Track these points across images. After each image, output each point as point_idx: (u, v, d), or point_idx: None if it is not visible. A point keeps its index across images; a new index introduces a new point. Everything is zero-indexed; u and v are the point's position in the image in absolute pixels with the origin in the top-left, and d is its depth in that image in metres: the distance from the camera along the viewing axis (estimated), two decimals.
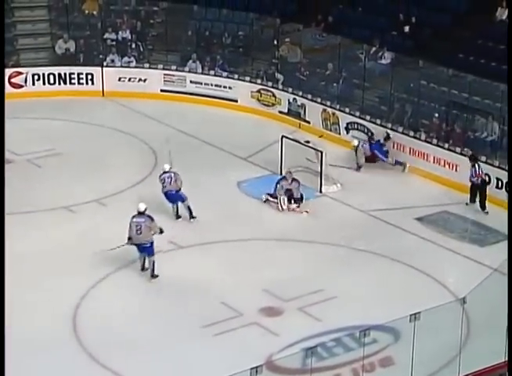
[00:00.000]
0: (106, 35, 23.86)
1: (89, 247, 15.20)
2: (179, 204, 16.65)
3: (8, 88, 22.35)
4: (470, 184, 17.31)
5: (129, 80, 23.05)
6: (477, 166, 17.19)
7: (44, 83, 22.81)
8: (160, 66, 23.23)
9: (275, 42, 22.97)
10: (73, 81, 23.02)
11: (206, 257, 15.24)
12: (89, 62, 23.41)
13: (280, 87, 22.09)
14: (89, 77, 23.03)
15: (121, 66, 23.32)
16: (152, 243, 14.37)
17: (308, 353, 10.99)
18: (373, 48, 21.16)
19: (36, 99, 22.27)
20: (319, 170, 17.91)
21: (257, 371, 10.02)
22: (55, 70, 22.96)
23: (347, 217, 16.93)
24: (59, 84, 22.90)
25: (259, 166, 18.99)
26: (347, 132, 20.33)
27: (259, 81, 22.46)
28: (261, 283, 14.30)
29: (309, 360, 10.93)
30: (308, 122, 21.05)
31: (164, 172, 16.69)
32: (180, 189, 16.55)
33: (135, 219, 14.35)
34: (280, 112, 21.86)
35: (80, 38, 23.85)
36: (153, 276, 14.36)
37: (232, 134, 20.32)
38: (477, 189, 17.23)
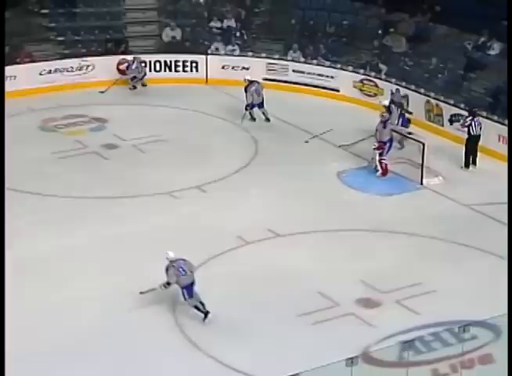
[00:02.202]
0: (212, 24, 24.04)
1: (189, 232, 15.34)
2: None
3: (115, 74, 22.76)
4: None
5: (232, 68, 23.12)
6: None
7: (150, 70, 23.10)
8: (264, 54, 23.23)
9: (380, 32, 22.64)
10: (178, 68, 23.27)
11: (304, 246, 15.15)
12: (194, 50, 23.59)
13: (383, 77, 21.78)
14: (194, 64, 23.21)
15: (225, 55, 23.42)
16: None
17: (405, 346, 10.81)
18: (481, 39, 20.59)
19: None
20: (421, 162, 17.56)
21: (352, 362, 9.92)
22: (162, 57, 23.23)
23: (449, 210, 16.55)
24: (165, 71, 23.17)
25: (359, 156, 18.76)
26: (451, 124, 19.88)
27: (362, 71, 22.21)
28: (359, 274, 14.12)
29: (406, 354, 10.75)
30: (411, 113, 20.67)
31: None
32: None
33: (175, 264, 12.98)
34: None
35: (186, 26, 24.08)
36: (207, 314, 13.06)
37: (332, 123, 20.11)
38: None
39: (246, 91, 20.33)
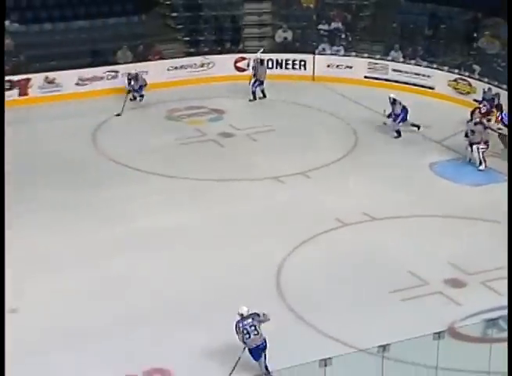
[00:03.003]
0: (320, 26, 23.87)
1: (293, 213, 15.30)
2: None
3: (233, 71, 22.89)
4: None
5: (337, 66, 22.91)
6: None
7: None
8: (366, 54, 22.93)
9: (475, 35, 21.98)
10: (288, 66, 23.23)
11: (397, 229, 14.91)
12: (303, 49, 23.49)
13: (476, 77, 21.15)
14: (302, 63, 23.10)
15: (331, 54, 23.23)
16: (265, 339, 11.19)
17: (490, 324, 10.53)
18: None
19: None
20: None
21: (439, 336, 9.72)
22: (274, 56, 23.20)
23: None
24: (277, 68, 23.17)
25: (451, 149, 18.29)
26: None
27: (456, 71, 21.65)
28: (448, 257, 13.81)
29: (490, 331, 10.45)
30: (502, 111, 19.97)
31: None
32: None
33: (245, 322, 10.97)
34: (475, 100, 20.91)
35: (297, 29, 24.00)
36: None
37: (428, 119, 19.67)
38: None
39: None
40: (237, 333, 10.93)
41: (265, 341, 10.92)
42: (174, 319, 12.13)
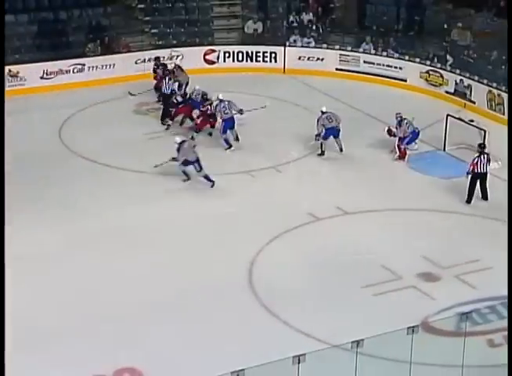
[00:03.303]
0: (291, 18, 23.83)
1: (264, 208, 15.28)
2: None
3: (202, 64, 22.79)
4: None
5: (308, 59, 22.92)
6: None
7: (233, 60, 23.10)
8: (337, 46, 22.94)
9: (446, 26, 22.09)
10: (258, 58, 23.18)
11: (370, 223, 14.94)
12: (273, 42, 23.44)
13: (448, 68, 21.26)
14: (273, 55, 23.09)
15: (302, 46, 23.22)
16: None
17: (463, 318, 10.56)
18: None
19: (226, 74, 22.56)
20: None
21: (413, 330, 9.74)
22: (244, 48, 23.17)
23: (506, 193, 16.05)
24: (246, 61, 23.11)
25: (424, 142, 18.36)
26: None
27: (428, 62, 21.73)
28: (421, 251, 13.86)
29: (463, 324, 10.49)
30: (474, 102, 20.12)
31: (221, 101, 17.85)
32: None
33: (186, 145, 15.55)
34: (447, 92, 21.04)
35: (267, 20, 23.94)
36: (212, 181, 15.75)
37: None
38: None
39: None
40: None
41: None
42: (146, 318, 12.03)
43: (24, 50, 21.54)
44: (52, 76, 21.23)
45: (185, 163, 16.11)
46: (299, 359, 9.18)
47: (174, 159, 15.93)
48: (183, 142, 16.42)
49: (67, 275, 13.10)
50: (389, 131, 17.84)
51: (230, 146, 17.86)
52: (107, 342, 11.43)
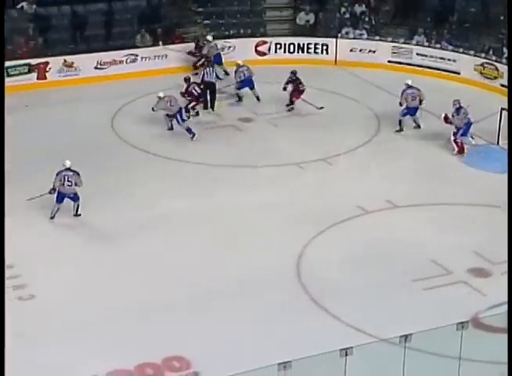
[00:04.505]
0: (343, 9, 23.68)
1: (313, 200, 15.23)
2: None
3: (254, 56, 22.82)
4: None
5: (360, 51, 22.76)
6: None
7: (284, 51, 23.05)
8: (389, 38, 22.74)
9: (503, 18, 21.70)
10: (310, 50, 23.10)
11: (420, 217, 14.80)
12: (325, 33, 23.32)
13: (504, 61, 20.90)
14: (324, 47, 22.97)
15: (354, 38, 23.06)
16: (76, 194, 14.41)
17: None
18: None
19: (277, 66, 22.50)
20: None
21: (463, 326, 9.65)
22: (295, 40, 23.10)
23: None
24: (298, 52, 23.05)
25: (477, 136, 18.09)
26: None
27: (483, 55, 21.40)
28: (472, 246, 13.70)
29: None
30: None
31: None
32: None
33: (64, 173, 14.27)
34: (502, 85, 20.69)
35: (319, 11, 23.82)
36: (77, 215, 14.49)
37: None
38: None
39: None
40: (55, 179, 14.00)
41: (75, 195, 14.18)
42: (194, 306, 12.13)
43: (79, 40, 21.80)
44: (106, 66, 21.48)
45: (169, 116, 17.64)
46: (346, 352, 9.18)
47: (50, 192, 14.54)
48: (164, 97, 17.64)
49: (118, 262, 13.26)
50: (445, 118, 17.61)
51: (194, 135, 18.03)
52: (157, 330, 11.55)
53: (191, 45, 22.22)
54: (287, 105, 19.64)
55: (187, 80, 19.15)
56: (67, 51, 21.33)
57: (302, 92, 19.40)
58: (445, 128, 17.83)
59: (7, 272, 12.74)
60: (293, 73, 19.57)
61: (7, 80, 20.03)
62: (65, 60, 21.05)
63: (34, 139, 17.64)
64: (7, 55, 20.58)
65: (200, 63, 21.55)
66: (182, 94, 18.88)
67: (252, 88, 20.04)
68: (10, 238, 13.54)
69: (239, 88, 20.11)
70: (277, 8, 24.13)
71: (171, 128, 18.13)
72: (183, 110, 17.86)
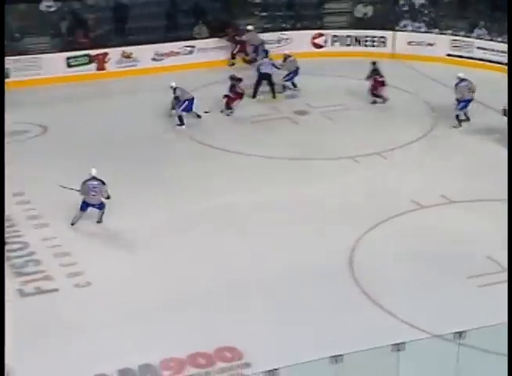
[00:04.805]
0: (402, 2, 23.44)
1: (368, 194, 15.16)
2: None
3: (310, 48, 22.74)
4: None
5: (418, 44, 22.50)
6: None
7: (341, 44, 22.94)
8: (449, 31, 22.43)
9: None
10: (367, 43, 22.94)
11: (476, 213, 14.60)
12: (383, 26, 23.12)
13: None
14: (382, 39, 22.81)
15: (412, 31, 22.81)
16: (101, 203, 13.89)
17: None
18: None
19: (333, 58, 22.45)
20: None
21: None
22: (352, 32, 22.98)
23: None
24: (354, 45, 22.92)
25: None
26: None
27: None
28: None
29: None
30: None
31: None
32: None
33: (89, 182, 13.70)
34: None
35: (377, 3, 23.63)
36: (100, 222, 14.04)
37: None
38: None
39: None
40: (81, 187, 13.59)
41: (101, 204, 13.71)
42: (248, 298, 12.19)
43: (138, 32, 22.02)
44: (163, 57, 21.66)
45: (176, 99, 17.82)
46: (399, 348, 9.12)
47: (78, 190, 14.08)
48: (177, 87, 17.82)
49: (176, 252, 13.37)
50: (505, 112, 17.30)
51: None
52: (209, 320, 11.65)
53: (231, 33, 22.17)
54: (372, 96, 19.37)
55: (234, 79, 18.94)
56: (126, 42, 21.55)
57: (382, 83, 19.22)
58: (504, 122, 17.53)
59: (65, 260, 13.09)
60: (374, 63, 19.48)
61: (68, 70, 20.38)
62: (123, 51, 21.29)
63: (92, 129, 17.91)
64: (69, 45, 21.00)
65: (236, 50, 21.59)
66: (230, 93, 18.65)
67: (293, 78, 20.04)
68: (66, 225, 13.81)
69: (288, 80, 20.07)
70: (335, 0, 23.97)
71: (182, 124, 18.03)
72: (193, 101, 17.92)
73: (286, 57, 20.25)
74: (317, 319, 11.73)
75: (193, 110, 18.23)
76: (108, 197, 13.75)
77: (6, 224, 13.84)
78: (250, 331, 11.43)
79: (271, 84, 19.89)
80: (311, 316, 11.81)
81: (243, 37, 21.77)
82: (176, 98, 18.08)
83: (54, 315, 11.81)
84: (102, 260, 13.12)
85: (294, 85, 20.28)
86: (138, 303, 12.04)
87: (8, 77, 19.52)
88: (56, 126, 18.07)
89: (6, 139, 16.20)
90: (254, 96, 19.78)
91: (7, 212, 14.18)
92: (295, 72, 20.16)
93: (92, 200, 13.75)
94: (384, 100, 19.23)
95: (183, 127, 18.09)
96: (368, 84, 19.43)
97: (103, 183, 13.67)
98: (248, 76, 19.99)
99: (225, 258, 13.20)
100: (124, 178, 15.49)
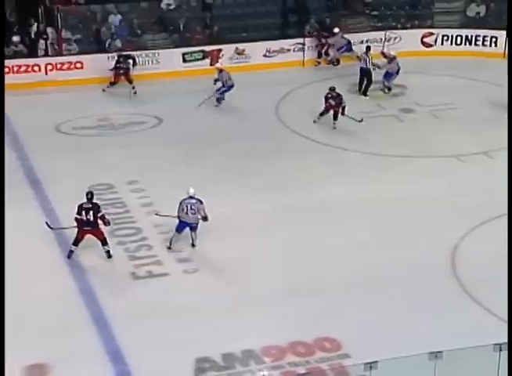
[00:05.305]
0: None
1: (471, 193, 14.83)
2: None
3: (419, 47, 22.36)
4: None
5: None
6: None
7: (451, 43, 22.42)
8: None
9: None
10: (478, 42, 22.35)
11: None
12: (496, 25, 22.43)
13: None
14: (493, 39, 22.14)
15: None
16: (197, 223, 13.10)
17: None
18: None
19: (443, 57, 21.97)
20: None
21: None
22: (463, 32, 22.42)
23: None
24: (465, 44, 22.35)
25: None
26: None
27: None
28: None
29: None
30: None
31: None
32: None
33: (187, 201, 12.92)
34: None
35: (491, 2, 22.96)
36: (195, 245, 13.22)
37: None
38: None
39: None
40: (178, 208, 12.90)
41: (197, 224, 12.96)
42: (346, 291, 12.18)
43: (251, 29, 22.22)
44: (274, 54, 21.77)
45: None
46: (501, 347, 8.90)
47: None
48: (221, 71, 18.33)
49: (272, 245, 13.43)
50: None
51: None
52: (311, 311, 11.68)
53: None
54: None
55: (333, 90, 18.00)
56: (240, 39, 21.79)
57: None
58: None
59: (174, 246, 13.38)
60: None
61: (183, 65, 20.80)
62: (237, 48, 21.54)
63: (204, 121, 18.24)
64: (185, 42, 21.42)
65: (325, 49, 21.55)
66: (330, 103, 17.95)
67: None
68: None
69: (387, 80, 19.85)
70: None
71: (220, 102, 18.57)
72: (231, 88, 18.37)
73: (392, 58, 19.89)
74: (417, 315, 11.60)
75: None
76: (206, 218, 12.90)
77: (121, 210, 14.37)
78: (351, 324, 11.40)
79: (368, 80, 19.73)
80: (412, 312, 11.69)
81: (329, 40, 21.55)
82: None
83: (163, 298, 12.12)
84: (208, 247, 13.31)
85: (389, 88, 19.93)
86: (241, 292, 12.20)
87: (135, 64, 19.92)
88: (171, 118, 18.50)
89: (126, 129, 16.74)
90: (359, 90, 19.73)
91: (123, 199, 14.72)
92: (396, 72, 19.77)
93: (190, 219, 12.96)
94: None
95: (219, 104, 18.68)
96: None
97: (201, 202, 12.89)
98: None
99: (326, 252, 13.19)
100: (226, 171, 15.66)
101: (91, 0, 21.51)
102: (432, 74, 20.83)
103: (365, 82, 19.90)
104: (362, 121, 17.70)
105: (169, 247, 13.16)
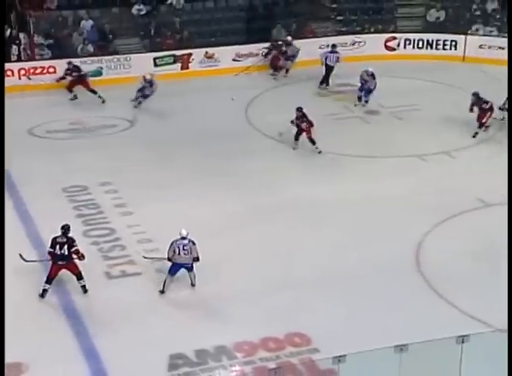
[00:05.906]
0: (474, 6, 22.96)
1: (434, 192, 14.95)
2: None
3: (382, 51, 22.54)
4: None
5: (489, 48, 22.02)
6: None
7: (413, 47, 22.66)
8: None
9: None
10: (438, 46, 22.59)
11: None
12: (455, 30, 22.71)
13: None
14: (453, 43, 22.41)
15: (483, 35, 22.34)
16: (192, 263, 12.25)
17: None
18: None
19: (405, 61, 22.18)
20: None
21: None
22: (425, 36, 22.66)
23: None
24: (426, 48, 22.59)
25: None
26: None
27: None
28: None
29: None
30: None
31: None
32: None
33: (179, 242, 12.05)
34: None
35: (450, 8, 23.23)
36: (194, 285, 12.37)
37: None
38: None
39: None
40: (169, 249, 12.02)
41: (191, 264, 12.08)
42: (317, 288, 12.23)
43: (220, 34, 22.21)
44: (243, 58, 21.78)
45: None
46: (463, 340, 9.00)
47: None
48: None
49: (244, 245, 13.42)
50: None
51: None
52: (281, 308, 11.73)
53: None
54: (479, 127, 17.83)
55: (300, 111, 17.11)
56: (209, 43, 21.76)
57: (487, 110, 17.75)
58: None
59: (148, 246, 13.30)
60: (476, 94, 17.96)
61: (155, 69, 20.74)
62: (206, 52, 21.52)
63: (175, 123, 18.19)
64: (156, 46, 21.35)
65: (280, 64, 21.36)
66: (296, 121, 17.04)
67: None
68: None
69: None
70: (409, 5, 23.70)
71: None
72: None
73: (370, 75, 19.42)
74: (383, 310, 11.70)
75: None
76: (197, 259, 12.08)
77: (95, 211, 14.29)
78: (320, 320, 11.46)
79: (329, 74, 20.19)
80: (377, 307, 11.78)
81: (284, 48, 21.34)
82: None
83: (137, 297, 12.07)
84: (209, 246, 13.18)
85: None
86: (214, 289, 12.20)
87: (100, 74, 19.95)
88: (142, 121, 18.43)
89: (98, 132, 16.63)
90: (321, 83, 20.24)
91: (97, 200, 14.63)
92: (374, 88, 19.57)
93: (183, 260, 12.08)
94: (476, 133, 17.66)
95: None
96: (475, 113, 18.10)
97: (193, 243, 12.04)
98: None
99: (297, 250, 13.25)
100: (200, 171, 15.64)
101: (63, 6, 21.36)
102: (395, 77, 20.99)
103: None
104: (320, 152, 16.85)
105: (162, 291, 12.16)
